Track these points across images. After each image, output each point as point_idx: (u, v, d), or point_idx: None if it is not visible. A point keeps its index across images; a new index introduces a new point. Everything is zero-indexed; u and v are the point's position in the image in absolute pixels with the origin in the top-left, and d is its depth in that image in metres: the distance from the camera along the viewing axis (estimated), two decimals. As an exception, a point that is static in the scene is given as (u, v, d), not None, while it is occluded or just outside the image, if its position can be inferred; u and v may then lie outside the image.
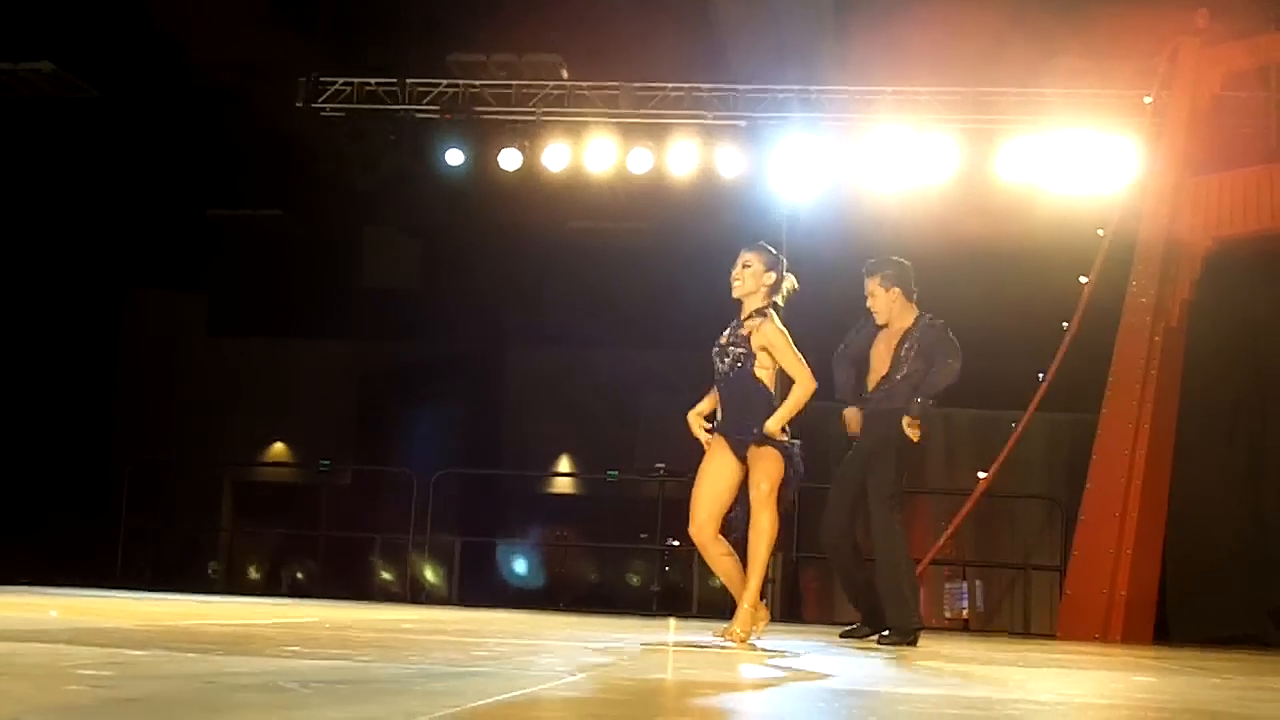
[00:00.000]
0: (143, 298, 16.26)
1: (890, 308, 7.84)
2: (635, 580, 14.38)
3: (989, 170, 13.08)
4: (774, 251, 6.81)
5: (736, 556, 6.62)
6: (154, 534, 14.87)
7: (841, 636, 7.76)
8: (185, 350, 16.32)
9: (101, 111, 14.19)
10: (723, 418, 6.71)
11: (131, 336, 16.04)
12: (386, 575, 15.68)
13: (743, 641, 6.39)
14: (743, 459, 6.55)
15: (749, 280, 6.70)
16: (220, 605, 9.24)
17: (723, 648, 6.12)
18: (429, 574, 14.84)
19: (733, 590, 6.73)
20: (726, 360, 6.66)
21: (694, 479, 6.72)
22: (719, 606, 13.82)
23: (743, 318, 6.70)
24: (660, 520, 14.07)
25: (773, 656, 5.74)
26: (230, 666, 3.77)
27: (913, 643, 7.37)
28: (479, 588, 14.98)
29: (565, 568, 16.18)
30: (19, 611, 6.59)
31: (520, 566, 14.57)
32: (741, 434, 6.54)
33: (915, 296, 7.96)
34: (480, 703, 3.06)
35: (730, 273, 6.77)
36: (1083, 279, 11.96)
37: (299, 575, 15.92)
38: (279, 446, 17.16)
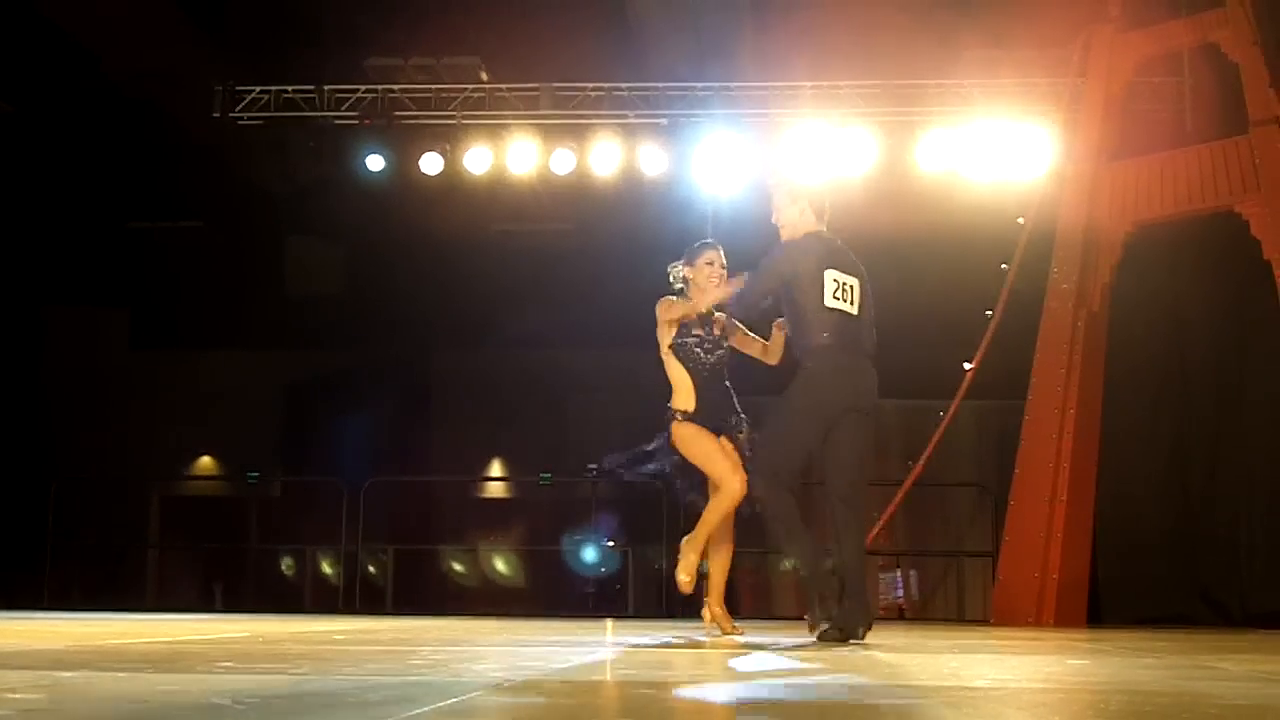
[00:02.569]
0: (62, 314, 16.04)
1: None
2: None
3: (909, 161, 13.18)
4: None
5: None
6: (81, 552, 14.68)
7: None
8: (108, 366, 16.10)
9: (16, 127, 13.98)
10: (708, 410, 7.06)
11: (53, 353, 15.82)
12: (319, 583, 15.58)
13: (684, 582, 7.04)
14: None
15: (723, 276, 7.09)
16: (151, 623, 9.12)
17: (661, 646, 6.11)
18: (364, 582, 14.74)
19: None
20: (716, 354, 7.12)
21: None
22: (655, 606, 13.87)
23: (707, 312, 7.10)
24: (594, 521, 14.07)
25: (708, 653, 5.74)
26: (162, 685, 3.71)
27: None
28: (414, 595, 14.89)
29: (499, 572, 16.14)
30: (-56, 637, 6.47)
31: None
32: (732, 419, 7.09)
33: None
34: (415, 711, 3.03)
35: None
36: (1005, 266, 12.08)
37: (229, 589, 15.75)
38: (206, 460, 16.98)
